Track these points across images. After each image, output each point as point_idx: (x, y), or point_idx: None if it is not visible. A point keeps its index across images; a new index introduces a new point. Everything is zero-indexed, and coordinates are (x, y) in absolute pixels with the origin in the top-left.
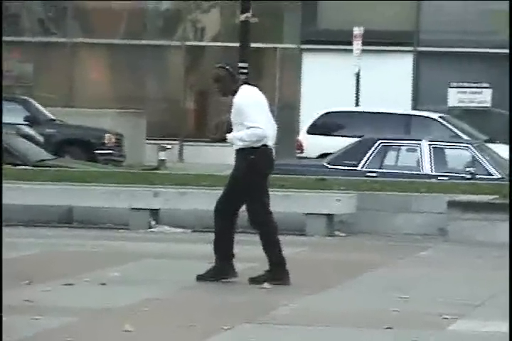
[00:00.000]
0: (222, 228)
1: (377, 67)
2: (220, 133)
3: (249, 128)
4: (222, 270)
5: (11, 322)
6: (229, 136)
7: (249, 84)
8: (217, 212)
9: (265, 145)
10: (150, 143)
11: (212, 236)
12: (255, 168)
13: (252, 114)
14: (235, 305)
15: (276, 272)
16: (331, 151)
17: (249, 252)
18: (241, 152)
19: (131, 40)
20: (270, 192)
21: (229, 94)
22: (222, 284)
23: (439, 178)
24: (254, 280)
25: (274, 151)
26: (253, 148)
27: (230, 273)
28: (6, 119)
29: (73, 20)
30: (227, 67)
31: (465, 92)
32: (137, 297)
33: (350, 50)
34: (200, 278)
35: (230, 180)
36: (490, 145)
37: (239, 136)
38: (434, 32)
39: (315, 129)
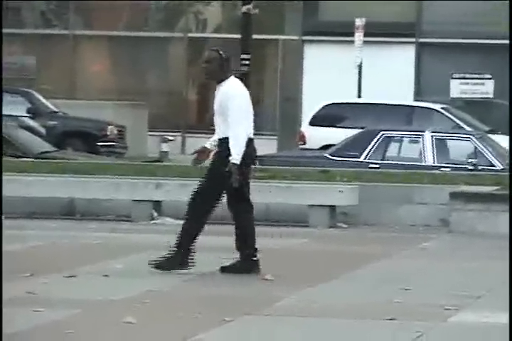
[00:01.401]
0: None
1: (379, 59)
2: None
3: (229, 130)
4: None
5: (13, 314)
6: (233, 161)
7: (236, 77)
8: (194, 202)
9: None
10: (152, 135)
11: (213, 227)
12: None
13: (236, 106)
14: (237, 297)
15: (247, 262)
16: (334, 143)
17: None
18: (223, 143)
19: (133, 32)
20: (273, 184)
21: (214, 78)
22: (225, 276)
23: (441, 169)
24: (226, 269)
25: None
26: None
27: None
28: (8, 111)
29: (75, 12)
30: (221, 53)
31: (467, 83)
32: (139, 289)
33: (352, 42)
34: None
35: (211, 168)
36: (492, 136)
37: (235, 156)
38: (436, 23)
39: (317, 121)
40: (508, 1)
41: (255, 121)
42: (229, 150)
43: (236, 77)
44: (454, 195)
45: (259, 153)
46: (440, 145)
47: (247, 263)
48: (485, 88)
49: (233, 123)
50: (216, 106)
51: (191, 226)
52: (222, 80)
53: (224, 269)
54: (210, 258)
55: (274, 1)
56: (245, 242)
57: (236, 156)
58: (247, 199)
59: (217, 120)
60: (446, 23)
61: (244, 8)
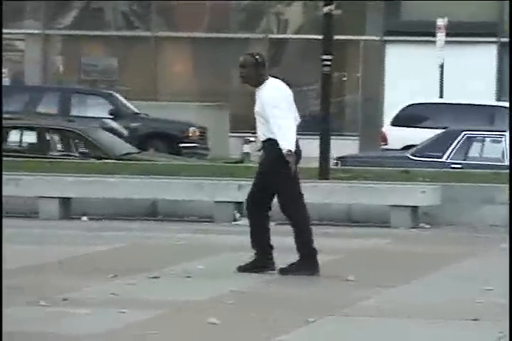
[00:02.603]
0: (257, 219)
1: (461, 59)
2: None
3: (272, 126)
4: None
5: (98, 315)
6: (284, 148)
7: (275, 77)
8: (250, 204)
9: None
10: (234, 136)
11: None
12: (283, 158)
13: (278, 108)
14: (319, 297)
15: (306, 262)
16: (415, 143)
17: (332, 244)
18: (268, 143)
19: (215, 34)
20: (355, 185)
21: (250, 82)
22: (306, 277)
23: None
24: (284, 271)
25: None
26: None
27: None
28: (91, 113)
29: (157, 13)
30: (256, 57)
31: None
32: (222, 289)
33: (434, 42)
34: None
35: (260, 171)
36: None
37: (283, 143)
38: None
39: (399, 121)
40: (508, 1)
41: (337, 121)
42: (273, 151)
43: (275, 77)
44: None
45: (341, 153)
46: None
47: (306, 262)
48: None
49: (275, 120)
50: (256, 109)
51: (257, 229)
52: (260, 84)
53: (283, 271)
54: (292, 259)
55: (355, 0)
56: (298, 240)
57: (284, 143)
58: (300, 201)
59: (258, 123)
60: None
61: (325, 9)
